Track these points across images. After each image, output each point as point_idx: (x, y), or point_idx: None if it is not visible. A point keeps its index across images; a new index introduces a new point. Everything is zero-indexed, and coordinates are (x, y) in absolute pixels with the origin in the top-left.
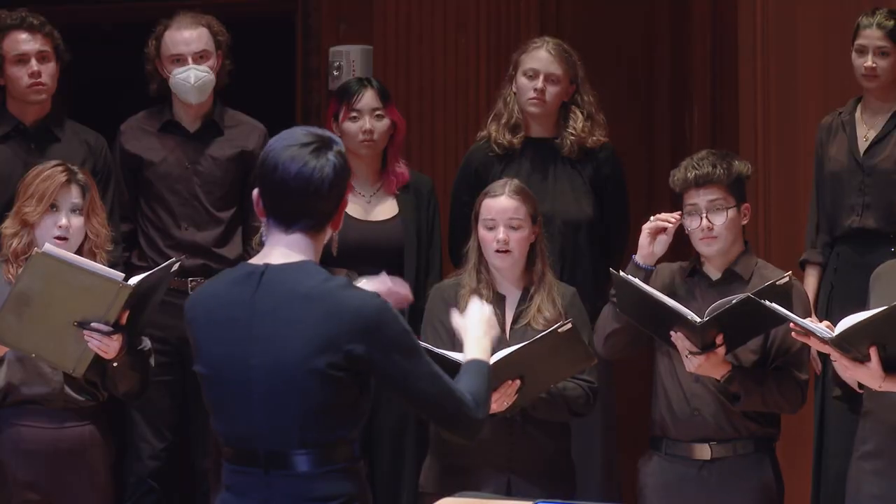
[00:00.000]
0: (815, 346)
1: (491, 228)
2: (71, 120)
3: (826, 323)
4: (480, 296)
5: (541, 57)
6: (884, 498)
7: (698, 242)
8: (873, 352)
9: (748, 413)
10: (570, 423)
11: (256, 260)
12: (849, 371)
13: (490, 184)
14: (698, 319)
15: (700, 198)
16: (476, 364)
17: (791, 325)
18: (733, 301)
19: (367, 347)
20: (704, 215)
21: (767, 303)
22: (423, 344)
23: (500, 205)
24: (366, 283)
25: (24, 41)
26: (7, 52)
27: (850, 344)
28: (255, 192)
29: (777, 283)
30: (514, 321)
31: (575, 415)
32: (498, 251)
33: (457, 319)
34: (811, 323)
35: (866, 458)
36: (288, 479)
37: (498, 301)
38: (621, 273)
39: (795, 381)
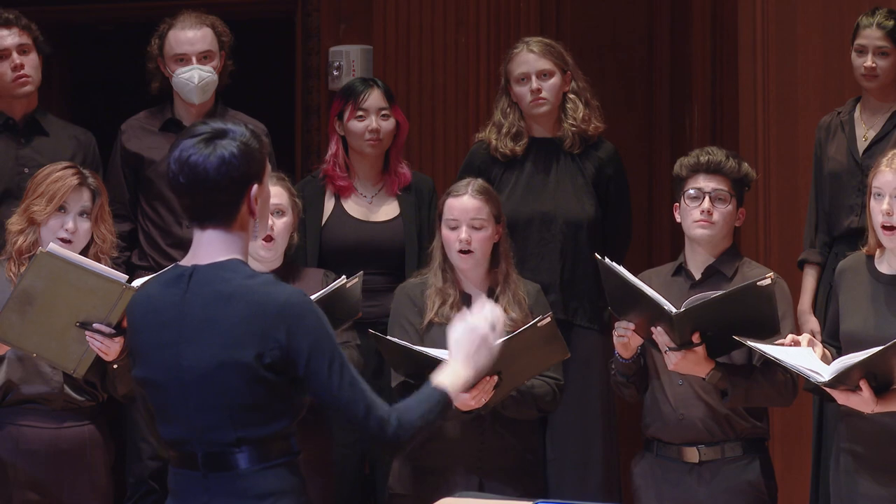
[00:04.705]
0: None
1: (454, 228)
2: (55, 117)
3: (811, 326)
4: (447, 295)
5: (526, 59)
6: (868, 496)
7: (692, 225)
8: (864, 384)
9: (736, 414)
10: (570, 424)
11: (186, 261)
12: (841, 399)
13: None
14: (674, 310)
15: (706, 183)
16: (433, 391)
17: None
18: (710, 296)
19: (291, 338)
20: (707, 200)
21: (759, 346)
22: (395, 340)
23: (463, 204)
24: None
25: (2, 36)
26: None
27: (841, 382)
28: None
29: (758, 283)
30: None
31: (542, 412)
32: (461, 252)
33: (452, 331)
34: (798, 366)
35: (847, 456)
36: (226, 478)
37: (464, 300)
38: (606, 260)
39: (785, 372)
